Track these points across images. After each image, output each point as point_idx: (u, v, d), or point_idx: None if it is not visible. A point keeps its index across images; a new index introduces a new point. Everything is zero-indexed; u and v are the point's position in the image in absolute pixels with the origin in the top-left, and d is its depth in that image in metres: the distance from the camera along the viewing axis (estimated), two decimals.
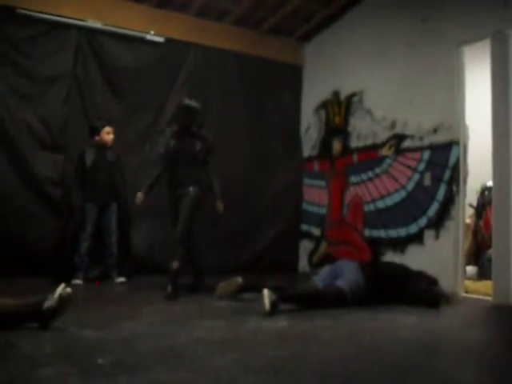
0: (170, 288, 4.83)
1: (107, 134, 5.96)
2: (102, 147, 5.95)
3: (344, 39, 7.41)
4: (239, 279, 4.72)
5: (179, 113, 5.27)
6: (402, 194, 6.31)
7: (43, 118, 6.25)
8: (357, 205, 7.00)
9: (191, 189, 5.10)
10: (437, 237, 5.82)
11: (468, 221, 6.60)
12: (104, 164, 5.93)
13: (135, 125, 6.80)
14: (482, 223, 6.86)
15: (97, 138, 5.97)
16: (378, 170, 6.69)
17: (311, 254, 7.78)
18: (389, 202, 6.50)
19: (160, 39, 6.95)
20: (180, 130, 5.20)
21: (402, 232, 6.27)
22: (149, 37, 6.88)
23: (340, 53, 7.47)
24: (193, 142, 5.19)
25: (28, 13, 6.14)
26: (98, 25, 6.56)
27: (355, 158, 7.11)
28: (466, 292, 5.60)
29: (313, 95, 7.98)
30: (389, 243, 6.42)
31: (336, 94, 7.55)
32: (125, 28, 6.74)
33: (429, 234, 5.91)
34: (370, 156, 6.83)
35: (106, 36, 6.68)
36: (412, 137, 6.23)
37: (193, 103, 5.25)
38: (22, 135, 6.12)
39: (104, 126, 5.97)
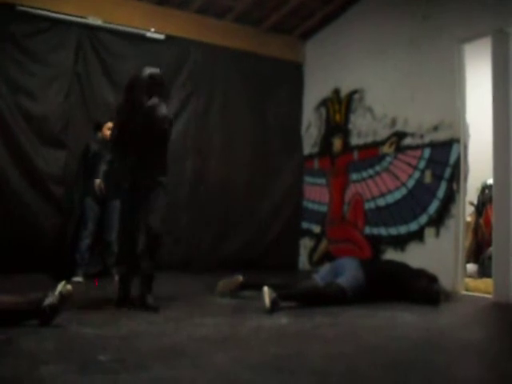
0: (151, 298, 4.05)
1: (108, 130, 5.98)
2: (105, 143, 5.97)
3: (345, 37, 7.41)
4: (239, 277, 4.72)
5: (143, 84, 4.23)
6: (403, 191, 6.31)
7: (45, 114, 6.26)
8: (357, 202, 7.00)
9: (163, 178, 4.24)
10: (437, 234, 5.82)
11: (468, 219, 6.60)
12: (106, 159, 5.93)
13: None
14: (482, 221, 6.85)
15: (99, 133, 6.01)
16: (378, 168, 6.69)
17: (311, 251, 7.78)
18: (389, 199, 6.50)
19: (161, 36, 6.95)
20: (142, 104, 4.17)
21: (402, 230, 6.27)
22: (149, 34, 6.88)
23: (341, 50, 7.47)
24: (158, 120, 4.19)
25: (28, 10, 6.15)
26: (98, 22, 6.56)
27: (356, 155, 7.11)
28: (467, 290, 5.60)
29: (313, 93, 7.98)
30: (389, 241, 6.42)
31: (336, 91, 7.55)
32: (125, 25, 6.74)
33: (429, 232, 5.91)
34: (371, 154, 6.83)
35: (107, 33, 6.68)
36: (412, 134, 6.24)
37: (158, 71, 4.34)
38: (24, 132, 6.13)
39: (106, 122, 6.01)
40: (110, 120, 6.05)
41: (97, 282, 5.69)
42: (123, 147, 4.23)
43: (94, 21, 6.54)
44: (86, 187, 5.88)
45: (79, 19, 6.45)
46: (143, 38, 6.87)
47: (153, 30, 6.90)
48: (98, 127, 6.06)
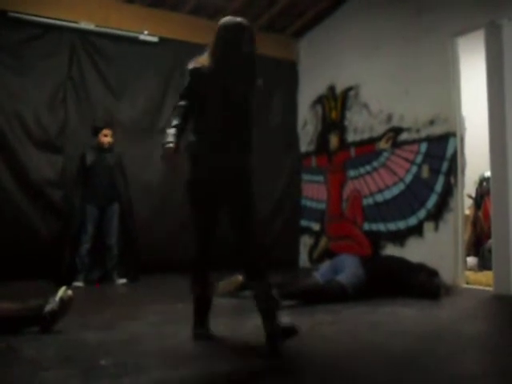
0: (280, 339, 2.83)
1: (104, 137, 6.00)
2: (101, 149, 5.99)
3: (338, 33, 7.40)
4: (239, 277, 4.71)
5: (222, 35, 3.08)
6: (401, 186, 6.31)
7: (40, 120, 6.26)
8: (355, 199, 7.00)
9: (245, 160, 3.36)
10: (436, 229, 5.82)
11: (467, 212, 6.60)
12: (103, 165, 5.96)
13: (134, 124, 6.81)
14: (481, 214, 6.86)
15: (96, 139, 6.01)
16: (375, 164, 6.69)
17: (311, 249, 7.78)
18: (387, 195, 6.50)
19: (154, 39, 6.94)
20: (223, 58, 3.06)
21: (401, 225, 6.27)
22: (142, 37, 6.87)
23: (335, 47, 7.46)
24: (240, 81, 3.10)
25: (21, 16, 6.13)
26: (91, 26, 6.55)
27: (353, 152, 7.11)
28: (467, 283, 5.61)
29: (309, 90, 7.98)
30: (388, 236, 6.43)
31: (332, 88, 7.54)
32: (118, 29, 6.73)
33: (428, 226, 5.91)
34: (368, 150, 6.83)
35: (100, 37, 6.67)
36: (409, 129, 6.24)
37: (240, 21, 3.12)
38: (19, 138, 6.12)
39: (102, 129, 6.02)
40: (106, 126, 6.07)
41: (98, 285, 5.70)
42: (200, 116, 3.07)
43: (87, 25, 6.53)
44: (86, 194, 5.88)
45: (72, 24, 6.45)
46: (137, 41, 6.86)
47: (146, 32, 6.89)
48: (96, 133, 6.06)
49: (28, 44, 6.25)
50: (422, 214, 6.01)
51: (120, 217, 6.02)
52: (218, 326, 3.48)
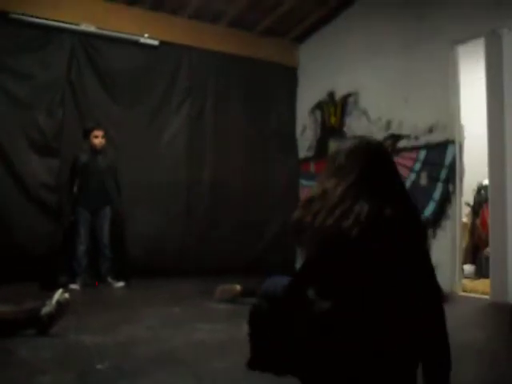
0: None
1: (95, 138, 5.91)
2: (94, 151, 5.93)
3: (338, 39, 7.41)
4: (237, 287, 4.66)
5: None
6: None
7: (37, 123, 6.21)
8: None
9: None
10: (434, 236, 5.82)
11: (465, 219, 6.61)
12: (95, 168, 5.89)
13: (132, 128, 6.79)
14: (478, 222, 6.86)
15: (87, 142, 5.96)
16: None
17: None
18: None
19: (154, 42, 6.93)
20: None
21: None
22: (142, 40, 6.85)
23: (335, 53, 7.47)
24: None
25: (21, 17, 6.10)
26: (91, 29, 6.54)
27: None
28: (464, 291, 5.60)
29: (308, 96, 7.98)
30: None
31: (331, 94, 7.55)
32: (119, 31, 6.73)
33: None
34: None
35: (100, 40, 6.66)
36: (408, 136, 6.24)
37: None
38: (16, 140, 6.08)
39: (92, 130, 5.96)
40: (97, 127, 6.00)
41: (96, 283, 5.68)
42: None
43: (87, 27, 6.52)
44: (78, 196, 5.84)
45: (72, 26, 6.43)
46: (137, 44, 6.85)
47: (147, 35, 6.89)
48: (86, 135, 5.99)
49: (27, 45, 6.20)
50: None
51: (112, 221, 5.98)
52: (216, 331, 3.48)
